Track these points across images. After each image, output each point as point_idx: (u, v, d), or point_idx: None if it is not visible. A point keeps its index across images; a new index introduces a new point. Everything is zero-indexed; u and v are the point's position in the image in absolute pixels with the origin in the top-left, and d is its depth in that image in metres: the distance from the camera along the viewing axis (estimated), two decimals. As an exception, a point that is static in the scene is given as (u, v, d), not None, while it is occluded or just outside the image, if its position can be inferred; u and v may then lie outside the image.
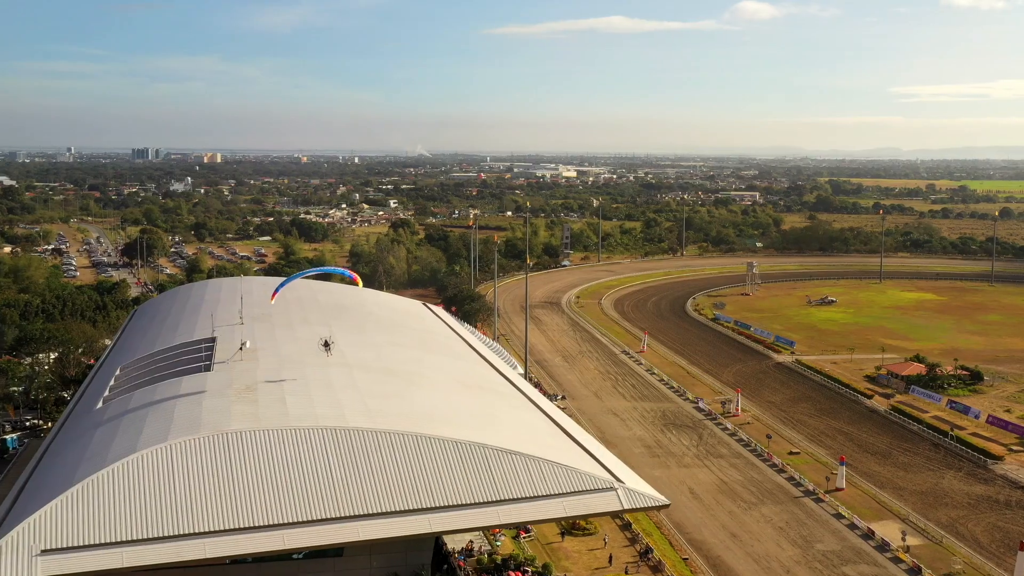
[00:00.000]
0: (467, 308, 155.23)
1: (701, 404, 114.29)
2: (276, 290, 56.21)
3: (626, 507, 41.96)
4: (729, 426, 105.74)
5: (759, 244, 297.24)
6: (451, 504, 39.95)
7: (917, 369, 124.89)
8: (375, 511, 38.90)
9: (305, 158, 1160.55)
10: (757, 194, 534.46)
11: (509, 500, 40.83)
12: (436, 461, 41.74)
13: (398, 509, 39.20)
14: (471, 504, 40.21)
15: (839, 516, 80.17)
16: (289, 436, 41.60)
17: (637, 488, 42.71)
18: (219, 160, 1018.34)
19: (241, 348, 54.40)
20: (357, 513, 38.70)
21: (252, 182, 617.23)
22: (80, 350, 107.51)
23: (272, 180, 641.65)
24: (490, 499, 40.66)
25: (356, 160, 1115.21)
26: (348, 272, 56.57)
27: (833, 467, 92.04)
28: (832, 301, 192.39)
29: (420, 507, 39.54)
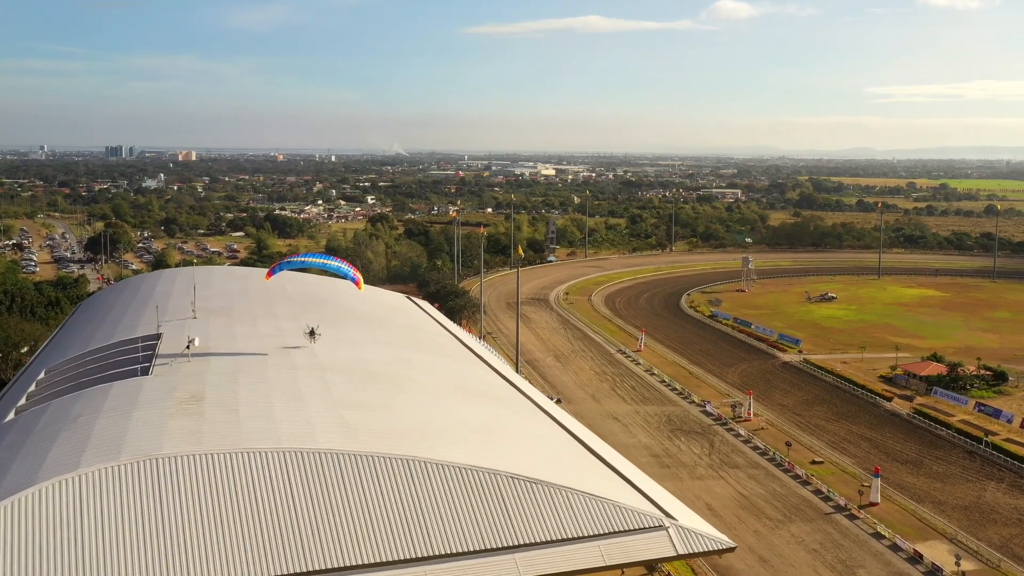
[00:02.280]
0: (451, 304, 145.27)
1: (709, 407, 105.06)
2: (274, 270, 49.68)
3: (680, 552, 32.35)
4: (742, 432, 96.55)
5: (748, 240, 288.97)
6: (455, 552, 30.15)
7: (937, 369, 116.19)
8: (354, 563, 29.11)
9: (281, 156, 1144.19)
10: (739, 191, 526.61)
11: (530, 545, 31.06)
12: (434, 493, 31.93)
13: (385, 560, 29.43)
14: (481, 551, 30.43)
15: (878, 536, 71.00)
16: (241, 462, 31.62)
17: (693, 526, 33.18)
18: (194, 158, 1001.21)
19: (188, 347, 44.37)
20: (330, 566, 28.90)
21: (227, 179, 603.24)
22: (25, 350, 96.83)
23: (247, 177, 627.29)
24: (505, 544, 30.92)
25: (333, 158, 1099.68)
26: (351, 274, 47.65)
27: (862, 478, 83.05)
28: (832, 297, 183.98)
29: (414, 556, 29.75)
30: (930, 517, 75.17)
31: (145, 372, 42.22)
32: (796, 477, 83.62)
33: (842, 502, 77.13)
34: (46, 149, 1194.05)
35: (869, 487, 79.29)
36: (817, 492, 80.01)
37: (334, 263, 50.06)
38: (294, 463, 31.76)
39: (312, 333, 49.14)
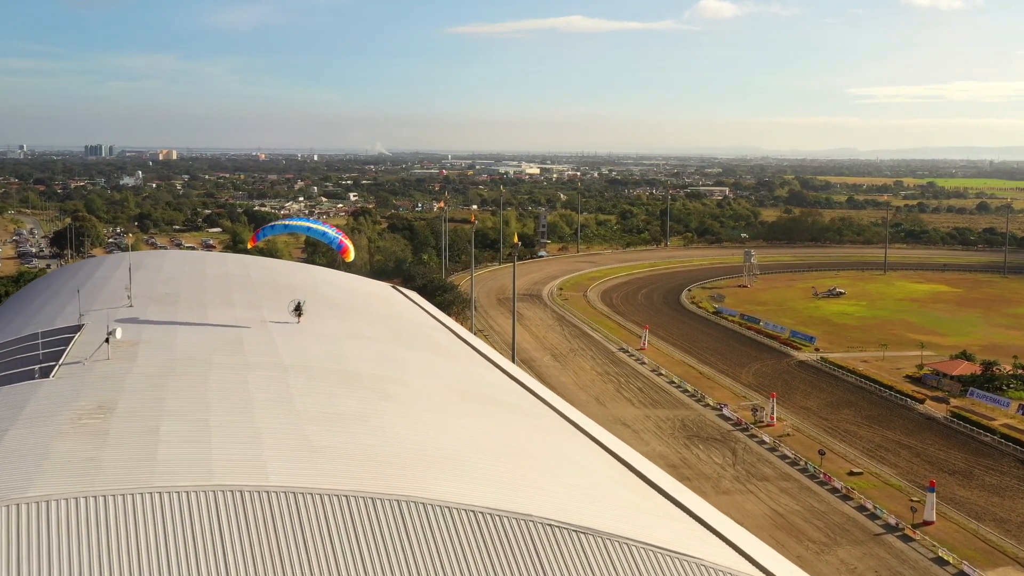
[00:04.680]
0: (439, 299, 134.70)
1: (726, 411, 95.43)
2: (258, 235, 47.37)
3: (795, 632, 22.47)
4: (766, 439, 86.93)
5: (744, 235, 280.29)
6: (471, 642, 20.16)
7: (969, 368, 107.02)
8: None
9: (263, 155, 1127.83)
10: (727, 189, 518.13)
11: (582, 628, 21.09)
12: (437, 548, 21.67)
13: (365, 659, 19.33)
14: (510, 640, 20.49)
15: (941, 561, 61.49)
16: (150, 506, 21.20)
17: (808, 592, 23.30)
18: (175, 157, 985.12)
19: (107, 341, 33.98)
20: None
21: (207, 177, 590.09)
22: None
23: (228, 175, 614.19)
24: (545, 627, 20.91)
25: (315, 158, 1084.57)
26: (338, 240, 43.09)
27: (909, 491, 73.60)
28: (841, 293, 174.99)
29: (409, 651, 19.70)
30: (995, 538, 65.73)
31: (46, 374, 31.80)
32: (834, 491, 74.07)
33: (892, 520, 67.64)
34: (25, 148, 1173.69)
35: (920, 502, 69.77)
36: (861, 508, 70.49)
37: (319, 227, 46.51)
38: (230, 508, 21.37)
39: (298, 309, 41.67)
